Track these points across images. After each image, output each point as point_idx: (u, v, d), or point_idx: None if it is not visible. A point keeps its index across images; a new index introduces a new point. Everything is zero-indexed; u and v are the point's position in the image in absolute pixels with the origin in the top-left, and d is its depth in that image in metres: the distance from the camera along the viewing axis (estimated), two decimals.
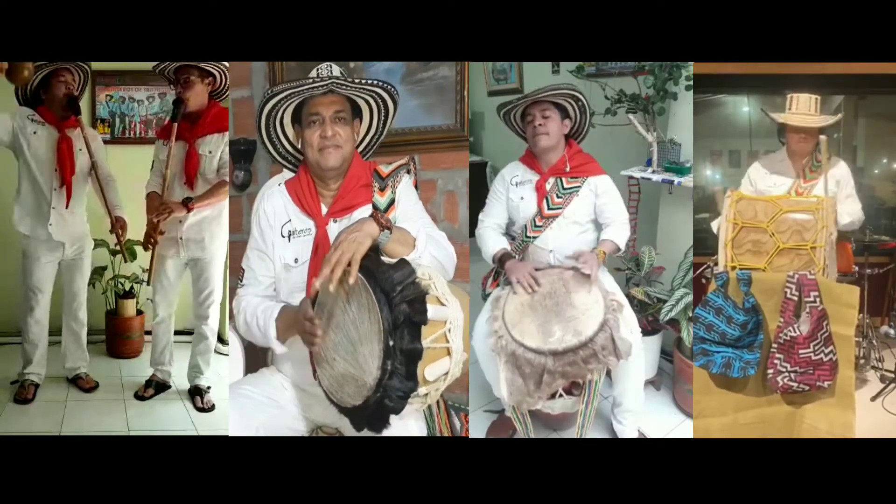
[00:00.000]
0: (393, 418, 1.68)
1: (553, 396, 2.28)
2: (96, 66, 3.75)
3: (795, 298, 2.25)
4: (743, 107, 4.15)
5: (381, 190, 2.06)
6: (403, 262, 1.70)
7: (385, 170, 2.10)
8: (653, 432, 2.66)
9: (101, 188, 3.05)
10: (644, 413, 2.64)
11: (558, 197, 2.59)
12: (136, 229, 3.05)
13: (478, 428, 2.69)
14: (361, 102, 2.10)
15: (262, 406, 2.02)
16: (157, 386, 3.16)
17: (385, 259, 1.74)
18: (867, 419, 2.66)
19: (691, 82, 3.05)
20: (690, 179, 3.00)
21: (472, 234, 2.80)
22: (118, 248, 3.21)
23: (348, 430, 1.88)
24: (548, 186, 2.61)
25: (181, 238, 2.98)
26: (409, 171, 2.15)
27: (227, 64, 2.97)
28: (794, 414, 2.33)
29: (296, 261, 2.03)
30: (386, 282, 1.65)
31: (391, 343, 1.62)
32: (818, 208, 2.37)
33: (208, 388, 3.11)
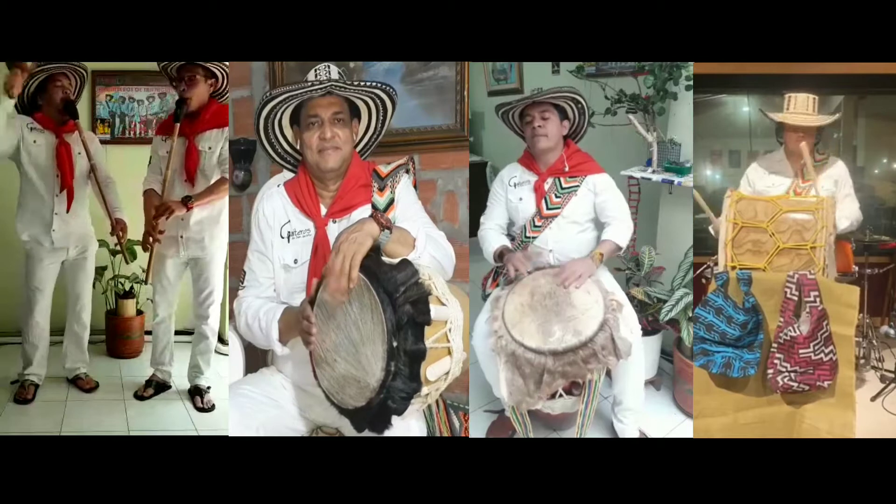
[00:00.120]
0: (394, 419, 1.68)
1: (553, 396, 2.28)
2: (96, 66, 3.77)
3: (795, 298, 2.25)
4: (743, 107, 4.15)
5: (381, 190, 2.06)
6: (406, 263, 1.70)
7: (384, 170, 2.10)
8: (653, 432, 2.66)
9: (100, 191, 3.05)
10: (644, 413, 2.64)
11: (557, 197, 2.59)
12: (137, 230, 3.04)
13: (478, 428, 2.69)
14: (360, 103, 2.10)
15: (262, 406, 2.02)
16: (157, 386, 3.16)
17: (386, 259, 1.74)
18: (867, 419, 2.66)
19: (691, 82, 3.05)
20: (690, 179, 3.00)
21: (472, 234, 2.80)
22: (118, 248, 3.21)
23: (348, 430, 1.88)
24: (546, 186, 2.61)
25: (181, 237, 2.98)
26: (408, 171, 2.15)
27: (227, 64, 2.97)
28: (794, 414, 2.33)
29: (295, 261, 2.03)
30: (389, 282, 1.65)
31: (395, 344, 1.62)
32: (818, 208, 2.37)
33: (208, 388, 3.11)
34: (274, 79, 3.20)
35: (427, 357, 1.67)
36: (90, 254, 3.19)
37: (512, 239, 2.69)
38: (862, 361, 3.16)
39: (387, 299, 1.64)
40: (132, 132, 3.99)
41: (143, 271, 3.26)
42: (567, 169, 2.59)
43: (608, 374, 2.36)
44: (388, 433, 1.71)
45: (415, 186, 2.20)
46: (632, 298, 2.81)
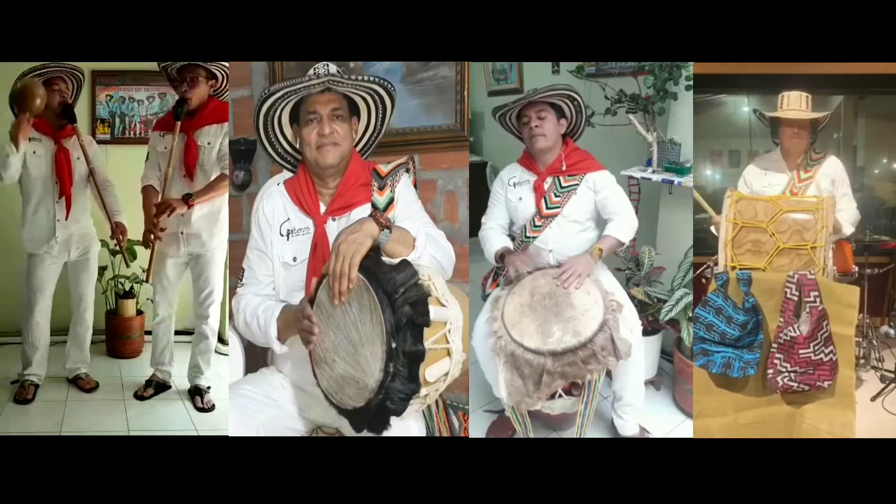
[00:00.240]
0: (393, 419, 1.68)
1: (552, 397, 2.28)
2: (96, 66, 3.78)
3: (795, 298, 2.25)
4: (743, 107, 4.15)
5: (380, 189, 2.06)
6: (405, 264, 1.70)
7: (384, 169, 2.10)
8: (653, 432, 2.66)
9: (99, 194, 3.05)
10: (644, 412, 2.64)
11: (556, 196, 2.59)
12: (137, 229, 3.05)
13: (477, 428, 2.69)
14: (359, 100, 2.10)
15: (262, 406, 2.02)
16: (157, 386, 3.16)
17: (386, 259, 1.74)
18: (867, 419, 2.66)
19: (691, 82, 3.05)
20: (690, 179, 3.00)
21: (472, 234, 2.80)
22: (118, 249, 3.21)
23: (348, 430, 1.88)
24: (545, 186, 2.61)
25: (182, 233, 2.98)
26: (407, 171, 2.15)
27: (226, 64, 2.97)
28: (794, 414, 2.33)
29: (294, 259, 2.03)
30: (388, 283, 1.65)
31: (394, 345, 1.62)
32: (818, 208, 2.37)
33: (208, 387, 3.11)
34: (274, 79, 3.20)
35: (426, 358, 1.67)
36: (93, 254, 3.19)
37: (512, 239, 2.69)
38: (862, 361, 3.16)
39: (386, 300, 1.64)
40: (132, 132, 3.99)
41: (144, 271, 3.26)
42: (564, 168, 2.59)
43: (608, 373, 2.36)
44: (386, 434, 1.71)
45: (415, 186, 2.20)
46: (632, 298, 2.81)
